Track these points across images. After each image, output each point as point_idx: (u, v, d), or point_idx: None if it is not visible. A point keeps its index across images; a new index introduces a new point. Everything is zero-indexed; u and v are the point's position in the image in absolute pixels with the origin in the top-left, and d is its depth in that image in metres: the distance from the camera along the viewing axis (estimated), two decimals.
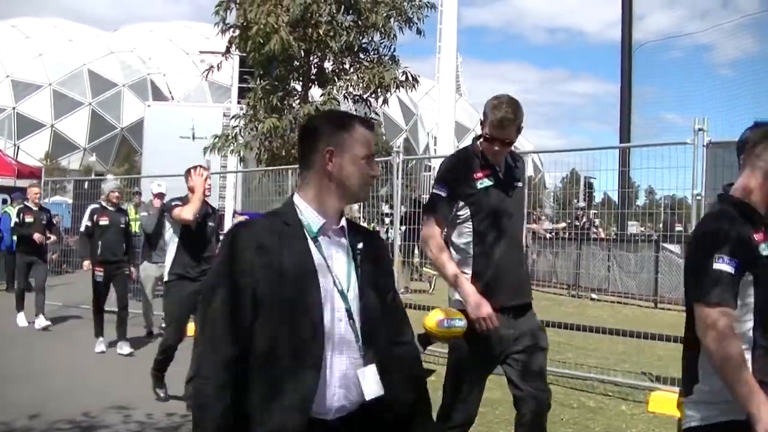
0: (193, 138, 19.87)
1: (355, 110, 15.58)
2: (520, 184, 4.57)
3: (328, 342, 2.49)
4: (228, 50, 14.96)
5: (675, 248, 12.68)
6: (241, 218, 13.28)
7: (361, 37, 14.17)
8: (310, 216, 2.59)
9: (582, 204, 14.12)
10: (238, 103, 16.47)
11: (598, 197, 14.88)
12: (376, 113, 15.85)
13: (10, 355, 10.31)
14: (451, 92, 34.42)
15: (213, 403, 2.38)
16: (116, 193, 11.24)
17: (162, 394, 7.88)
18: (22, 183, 21.36)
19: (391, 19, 14.06)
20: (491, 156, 4.36)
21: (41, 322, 12.41)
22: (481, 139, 4.40)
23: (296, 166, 12.88)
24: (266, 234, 2.52)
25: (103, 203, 11.07)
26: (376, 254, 2.78)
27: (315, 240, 2.56)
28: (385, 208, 8.23)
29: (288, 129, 13.68)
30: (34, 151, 73.69)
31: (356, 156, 2.60)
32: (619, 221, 13.16)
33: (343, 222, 2.68)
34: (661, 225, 13.20)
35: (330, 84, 14.15)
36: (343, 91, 14.25)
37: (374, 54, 14.48)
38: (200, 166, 8.24)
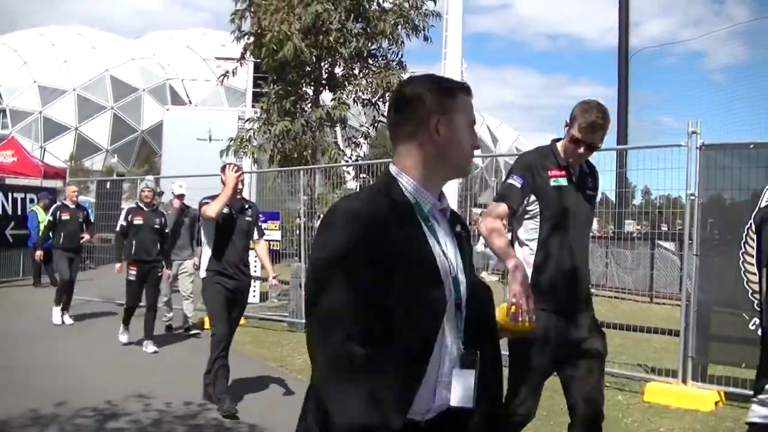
0: (210, 140, 20.39)
1: (365, 113, 15.94)
2: (591, 192, 4.55)
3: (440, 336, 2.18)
4: (243, 56, 15.13)
5: (670, 245, 12.99)
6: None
7: (369, 44, 14.35)
8: (418, 193, 2.25)
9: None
10: (253, 106, 16.78)
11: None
12: (384, 117, 16.09)
13: (36, 347, 10.58)
14: None
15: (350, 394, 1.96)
16: (146, 192, 11.16)
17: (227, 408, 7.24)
18: (48, 183, 22.00)
19: (399, 27, 14.23)
20: (573, 158, 4.35)
21: (66, 319, 12.68)
22: (563, 140, 4.40)
23: (308, 166, 13.33)
24: (376, 211, 2.14)
25: (139, 203, 11.14)
26: (468, 239, 2.45)
27: (426, 220, 2.24)
28: None
29: (300, 131, 13.88)
30: (59, 152, 74.48)
31: (462, 125, 2.30)
32: (617, 220, 13.39)
33: (446, 201, 2.37)
34: (664, 226, 13.42)
35: (340, 88, 14.34)
36: (353, 95, 14.44)
37: (382, 60, 14.68)
38: (233, 164, 8.07)
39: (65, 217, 12.86)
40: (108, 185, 18.14)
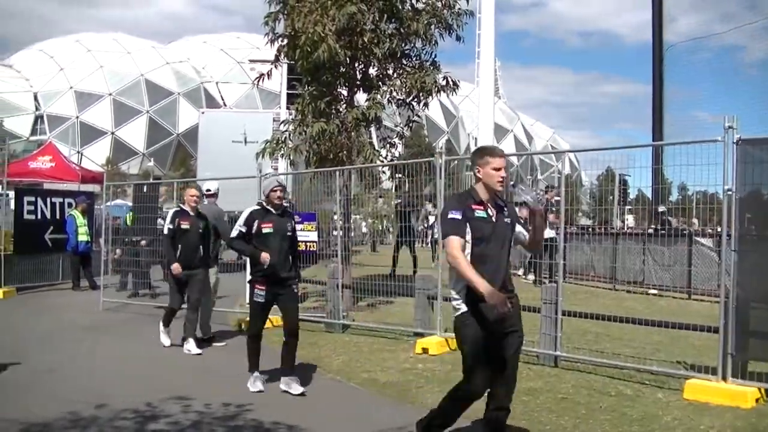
0: (245, 142, 20.56)
1: (399, 113, 15.94)
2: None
3: None
4: (277, 59, 15.13)
5: (707, 242, 12.92)
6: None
7: (403, 44, 14.32)
8: None
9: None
10: (287, 108, 16.85)
11: (632, 194, 15.02)
12: (419, 116, 16.04)
13: (75, 350, 10.77)
14: (490, 95, 34.63)
15: None
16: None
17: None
18: (85, 188, 22.28)
19: (432, 27, 14.18)
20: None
21: (192, 347, 10.73)
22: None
23: (343, 167, 13.39)
24: None
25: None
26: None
27: None
28: (429, 207, 8.32)
29: (335, 132, 13.89)
30: (96, 157, 75.59)
31: None
32: (653, 217, 13.31)
33: None
34: (694, 220, 13.35)
35: (374, 89, 14.35)
36: (387, 96, 14.41)
37: (416, 60, 14.62)
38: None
39: (185, 225, 10.88)
40: (145, 189, 18.33)
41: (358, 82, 14.60)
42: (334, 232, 13.95)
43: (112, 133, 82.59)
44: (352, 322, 12.43)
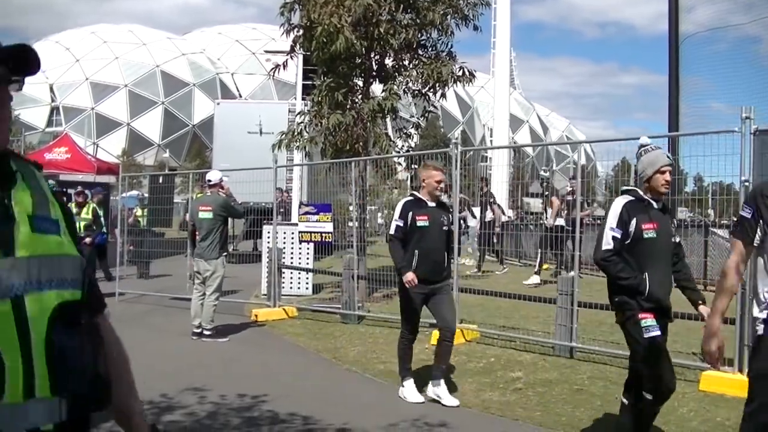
0: (261, 133, 20.64)
1: (415, 104, 15.92)
2: None
3: None
4: (293, 49, 15.07)
5: (723, 233, 12.85)
6: (308, 209, 13.85)
7: (419, 35, 14.23)
8: None
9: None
10: (303, 99, 16.83)
11: None
12: (435, 107, 15.96)
13: None
14: (505, 86, 34.64)
15: None
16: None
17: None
18: (101, 179, 22.40)
19: (448, 17, 14.12)
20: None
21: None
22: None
23: (359, 158, 13.41)
24: None
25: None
26: None
27: None
28: (444, 197, 8.29)
29: (351, 123, 13.86)
30: (111, 148, 75.89)
31: None
32: (670, 208, 13.25)
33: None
34: (710, 210, 13.29)
35: (390, 80, 14.28)
36: (403, 86, 14.39)
37: (432, 50, 14.55)
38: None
39: (422, 222, 7.60)
40: (161, 180, 18.38)
41: (374, 73, 14.55)
42: (350, 223, 13.97)
43: (128, 125, 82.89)
44: (367, 313, 12.45)
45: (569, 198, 15.10)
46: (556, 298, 9.53)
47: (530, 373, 8.62)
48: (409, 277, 7.41)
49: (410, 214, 7.56)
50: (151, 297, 15.12)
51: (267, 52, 33.55)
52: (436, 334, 10.29)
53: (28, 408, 1.71)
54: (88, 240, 14.97)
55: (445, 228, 7.68)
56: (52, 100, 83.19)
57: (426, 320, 11.25)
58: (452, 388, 7.83)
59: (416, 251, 7.49)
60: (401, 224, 7.55)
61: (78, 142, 29.66)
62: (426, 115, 15.81)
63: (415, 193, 7.77)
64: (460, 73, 14.33)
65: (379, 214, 23.05)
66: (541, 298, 10.69)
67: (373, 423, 6.76)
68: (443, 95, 14.92)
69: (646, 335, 5.28)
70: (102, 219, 18.22)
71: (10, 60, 1.81)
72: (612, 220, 5.54)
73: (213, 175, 12.09)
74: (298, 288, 14.92)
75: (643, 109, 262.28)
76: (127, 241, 17.22)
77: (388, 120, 14.90)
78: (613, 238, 5.49)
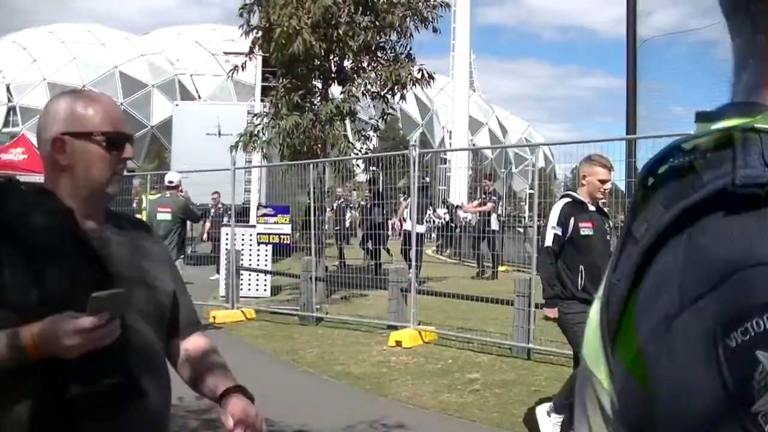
0: (219, 135, 20.45)
1: (374, 106, 15.93)
2: None
3: None
4: (251, 51, 15.04)
5: None
6: (266, 210, 13.82)
7: (378, 37, 14.22)
8: None
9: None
10: (262, 100, 16.78)
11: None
12: (394, 109, 16.02)
13: None
14: (464, 88, 34.91)
15: None
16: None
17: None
18: None
19: (407, 19, 14.13)
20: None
21: None
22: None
23: (317, 160, 13.41)
24: None
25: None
26: None
27: None
28: (402, 200, 8.23)
29: (309, 125, 13.81)
30: None
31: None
32: (626, 210, 13.44)
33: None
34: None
35: (349, 82, 14.30)
36: (362, 89, 14.36)
37: (391, 52, 14.56)
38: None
39: (586, 230, 6.13)
40: None
41: (333, 75, 14.53)
42: (307, 225, 13.95)
43: None
44: (325, 315, 12.44)
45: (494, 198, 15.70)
46: (513, 299, 9.59)
47: (488, 375, 8.66)
48: (552, 314, 6.21)
49: (572, 220, 6.10)
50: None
51: (226, 53, 33.37)
52: (393, 336, 10.35)
53: None
54: None
55: (608, 237, 6.21)
56: (9, 101, 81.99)
57: (383, 322, 11.35)
58: (410, 390, 7.84)
59: (581, 267, 5.98)
60: (559, 233, 6.10)
61: (35, 143, 29.25)
62: (385, 117, 15.80)
63: (573, 193, 6.34)
64: (419, 76, 14.36)
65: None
66: (499, 300, 10.76)
67: (330, 424, 6.75)
68: (402, 97, 14.93)
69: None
70: None
71: None
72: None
73: (173, 177, 12.03)
74: (257, 290, 14.84)
75: (606, 112, 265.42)
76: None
77: (347, 122, 14.90)
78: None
